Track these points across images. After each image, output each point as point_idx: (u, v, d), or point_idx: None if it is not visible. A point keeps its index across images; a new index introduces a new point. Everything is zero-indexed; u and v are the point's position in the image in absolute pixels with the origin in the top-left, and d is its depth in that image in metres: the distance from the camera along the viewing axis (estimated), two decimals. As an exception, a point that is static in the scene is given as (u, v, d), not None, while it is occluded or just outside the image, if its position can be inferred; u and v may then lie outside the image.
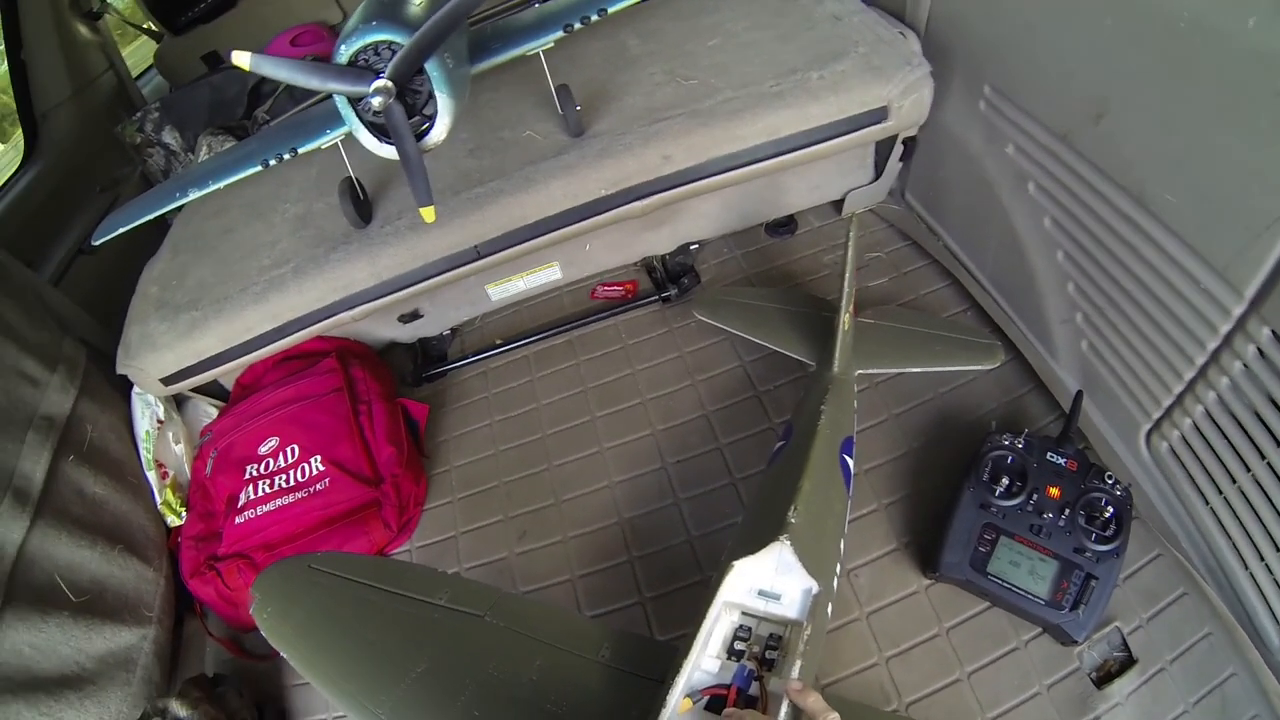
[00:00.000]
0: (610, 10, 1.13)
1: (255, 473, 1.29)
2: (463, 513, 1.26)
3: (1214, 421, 0.85)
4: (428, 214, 1.08)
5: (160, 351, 1.29)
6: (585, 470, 1.24)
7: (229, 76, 1.89)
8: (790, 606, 0.73)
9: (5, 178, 1.70)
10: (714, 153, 1.24)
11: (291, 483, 1.26)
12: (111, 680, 1.10)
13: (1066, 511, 0.94)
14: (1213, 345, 0.81)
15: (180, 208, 1.38)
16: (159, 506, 1.32)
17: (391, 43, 0.97)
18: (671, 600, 1.06)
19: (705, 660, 0.71)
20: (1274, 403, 0.76)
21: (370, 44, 0.97)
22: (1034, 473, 0.97)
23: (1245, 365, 0.78)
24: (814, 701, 0.62)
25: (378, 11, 0.98)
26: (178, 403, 1.45)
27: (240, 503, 1.27)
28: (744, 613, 0.75)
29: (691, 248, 1.55)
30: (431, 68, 1.00)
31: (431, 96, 1.03)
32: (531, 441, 1.31)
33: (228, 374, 1.41)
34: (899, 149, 1.39)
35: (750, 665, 0.69)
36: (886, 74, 1.20)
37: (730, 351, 1.34)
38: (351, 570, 0.91)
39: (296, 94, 1.83)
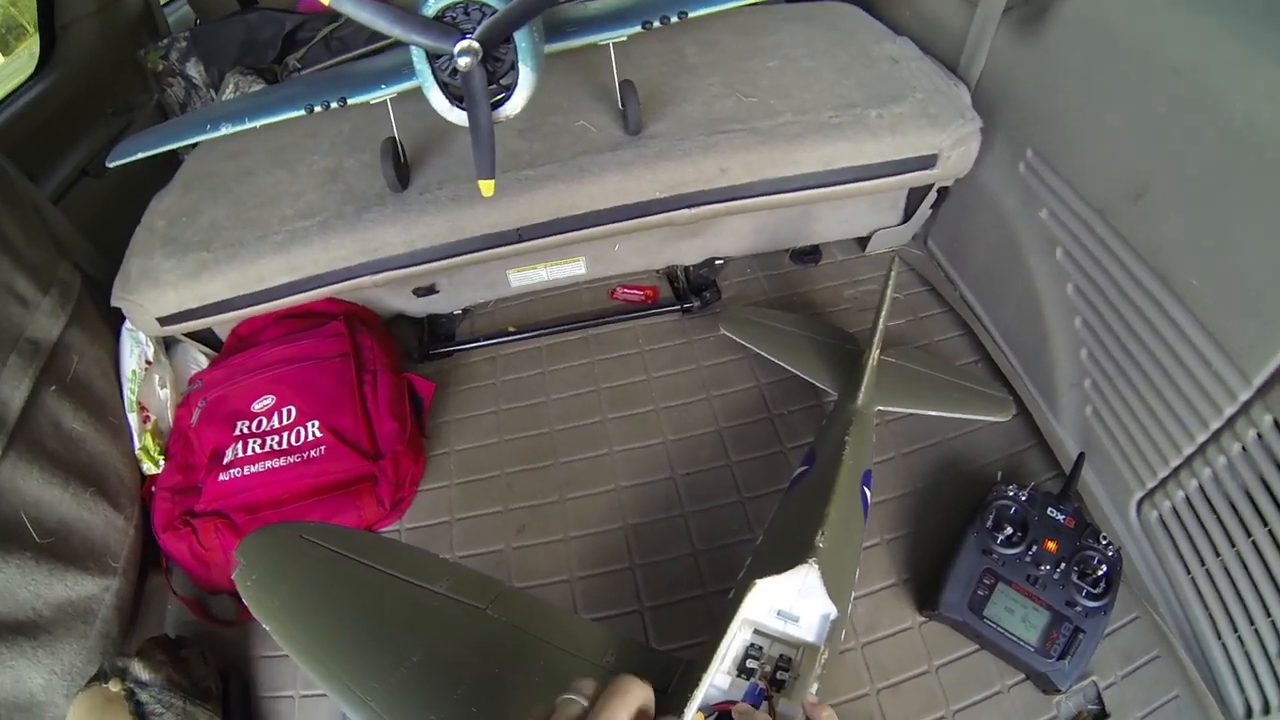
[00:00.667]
0: (691, 14, 1.17)
1: (246, 430, 1.30)
2: (460, 499, 1.28)
3: (1206, 498, 0.95)
4: (486, 187, 1.09)
5: (163, 289, 1.29)
6: (592, 470, 1.29)
7: (265, 17, 1.88)
8: (808, 630, 0.77)
9: (11, 87, 1.65)
10: (769, 173, 1.31)
11: (284, 445, 1.27)
12: (68, 631, 1.09)
13: (1062, 566, 1.03)
14: (1215, 426, 0.91)
15: (198, 143, 1.40)
16: (136, 451, 1.31)
17: (483, 4, 0.97)
18: (671, 611, 1.11)
19: (718, 676, 0.75)
20: (1266, 486, 0.86)
21: (461, 1, 0.98)
22: (1035, 525, 1.06)
23: (1244, 448, 0.88)
24: (829, 717, 0.69)
25: None
26: (167, 345, 1.45)
27: (226, 459, 1.27)
28: (757, 631, 0.79)
29: (717, 263, 1.61)
30: (520, 38, 1.02)
31: (514, 67, 1.05)
32: (538, 435, 1.35)
33: (227, 322, 1.42)
34: (933, 196, 1.49)
35: (761, 684, 0.73)
36: (941, 123, 1.29)
37: (748, 370, 1.41)
38: (346, 545, 0.91)
39: (333, 45, 1.86)
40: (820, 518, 0.86)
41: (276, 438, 1.28)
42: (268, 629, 0.82)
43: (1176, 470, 0.99)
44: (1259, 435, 0.86)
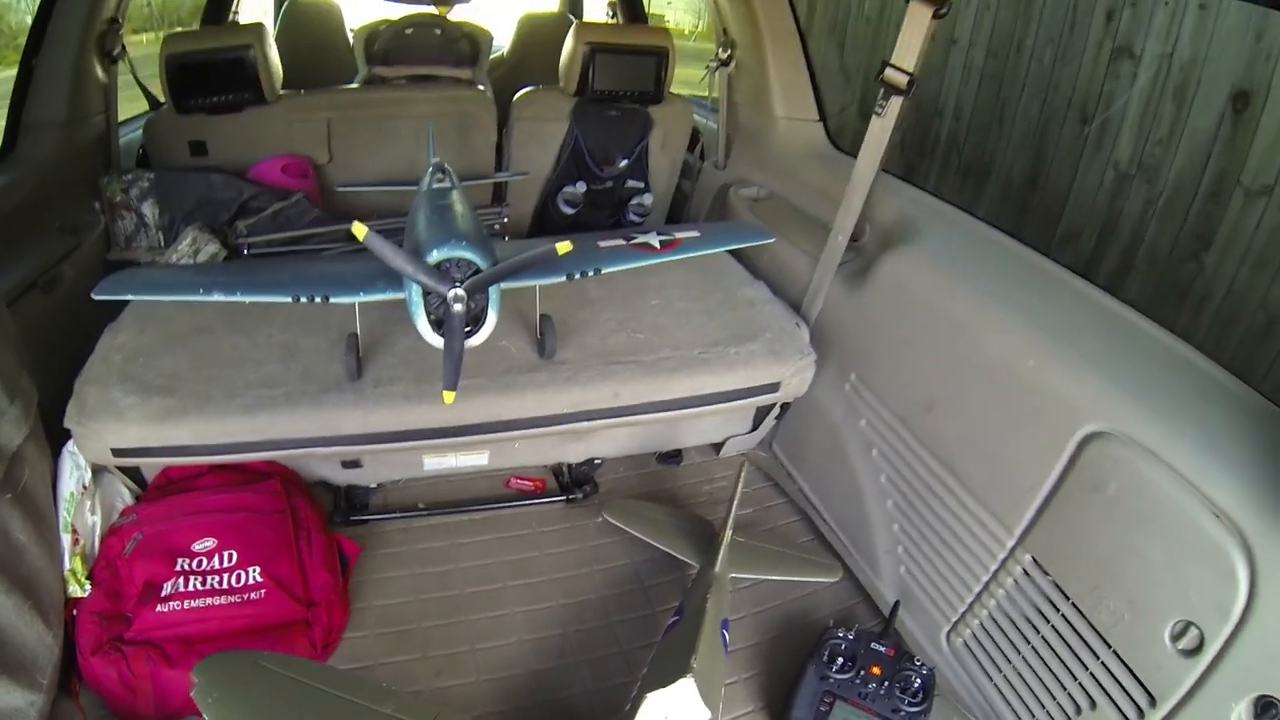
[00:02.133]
0: (604, 270, 1.87)
1: (186, 567, 1.63)
2: (381, 646, 1.71)
3: (995, 621, 1.62)
4: (449, 396, 1.60)
5: (125, 424, 1.64)
6: (497, 626, 1.79)
7: (228, 181, 2.41)
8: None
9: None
10: (650, 398, 1.99)
11: (225, 585, 1.63)
12: None
13: (886, 683, 1.66)
14: (993, 568, 1.61)
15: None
16: (65, 572, 1.55)
17: (471, 261, 1.56)
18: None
19: None
20: (1036, 607, 1.54)
21: (455, 258, 1.55)
22: (861, 656, 1.70)
23: (1015, 581, 1.58)
24: None
25: (461, 233, 1.59)
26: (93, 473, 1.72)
27: (165, 592, 1.58)
28: None
29: (595, 462, 2.31)
30: (493, 291, 1.62)
31: (484, 310, 1.63)
32: (449, 595, 1.85)
33: (173, 464, 1.77)
34: (776, 410, 2.28)
35: None
36: (784, 358, 2.07)
37: (623, 549, 2.03)
38: (301, 673, 1.24)
39: (279, 220, 2.40)
40: (692, 647, 1.32)
41: (217, 578, 1.63)
42: None
43: (971, 605, 1.68)
44: (1024, 570, 1.58)
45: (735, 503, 1.86)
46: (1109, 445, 1.40)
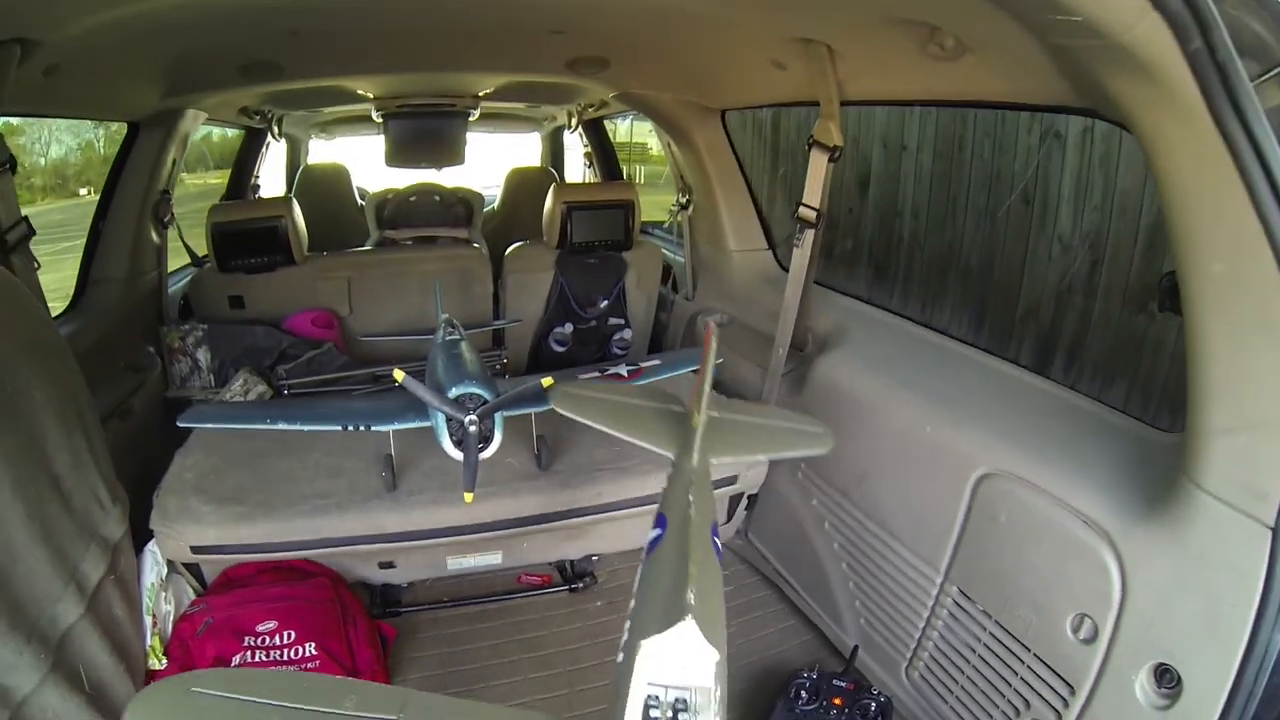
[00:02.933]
0: None
1: (252, 643, 2.09)
2: None
3: (941, 651, 1.97)
4: (469, 497, 2.13)
5: (204, 526, 2.15)
6: (515, 690, 2.20)
7: (270, 333, 3.07)
8: (700, 675, 1.07)
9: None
10: (629, 495, 2.46)
11: (285, 658, 2.08)
12: None
13: (847, 710, 2.00)
14: (930, 604, 1.99)
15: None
16: (146, 648, 2.01)
17: (480, 395, 2.14)
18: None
19: None
20: (969, 630, 1.89)
21: (468, 393, 2.15)
22: (824, 691, 2.05)
23: (949, 612, 1.95)
24: None
25: (471, 375, 2.19)
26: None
27: (234, 663, 2.04)
28: (650, 683, 1.07)
29: (593, 558, 2.75)
30: (498, 417, 2.19)
31: (492, 430, 2.18)
32: (473, 668, 2.27)
33: (236, 562, 2.27)
34: (745, 501, 2.74)
35: None
36: None
37: (623, 623, 2.51)
38: (242, 688, 1.14)
39: (313, 365, 3.03)
40: (684, 574, 1.18)
41: (279, 652, 2.07)
42: None
43: (920, 640, 2.04)
44: (954, 600, 1.95)
45: (709, 373, 1.70)
46: (996, 482, 1.85)
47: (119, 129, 2.94)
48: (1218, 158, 1.18)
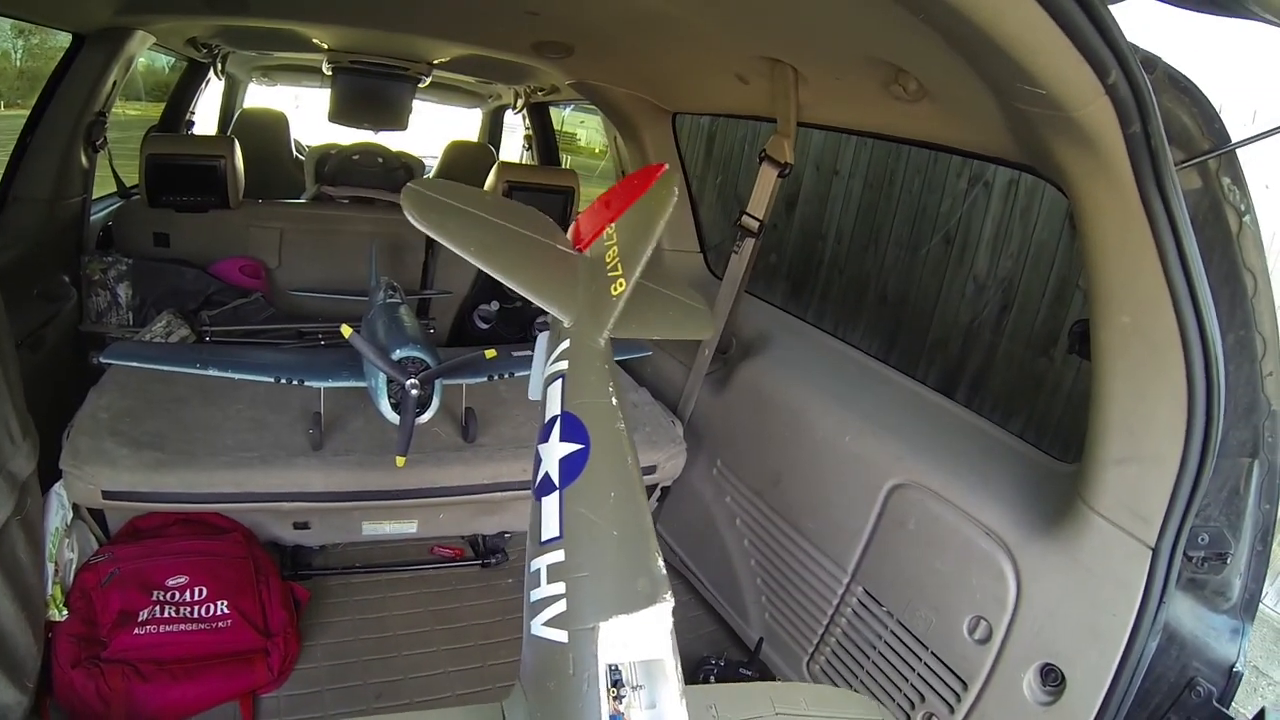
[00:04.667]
0: (517, 374, 2.52)
1: (160, 598, 2.05)
2: (329, 674, 2.13)
3: (843, 646, 2.13)
4: (400, 460, 2.16)
5: (118, 470, 2.08)
6: (427, 660, 2.23)
7: (199, 276, 2.98)
8: (655, 648, 1.03)
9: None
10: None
11: (195, 615, 2.05)
12: None
13: None
14: (836, 602, 2.16)
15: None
16: (47, 597, 1.94)
17: (422, 360, 2.18)
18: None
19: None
20: (870, 628, 2.07)
21: (410, 356, 2.17)
22: (731, 678, 2.20)
23: (854, 610, 2.12)
24: None
25: (414, 339, 2.22)
26: (63, 518, 2.15)
27: (141, 618, 1.99)
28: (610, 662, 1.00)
29: (506, 536, 2.81)
30: (438, 383, 2.23)
31: (430, 396, 2.21)
32: (385, 636, 2.28)
33: (140, 511, 2.22)
34: (658, 492, 2.84)
35: (614, 712, 0.98)
36: (660, 447, 2.64)
37: None
38: None
39: (239, 315, 2.95)
40: (646, 532, 1.08)
41: (189, 608, 2.04)
42: None
43: (823, 635, 2.20)
44: (859, 600, 2.11)
45: (658, 230, 1.36)
46: (907, 492, 2.03)
47: (41, 41, 2.79)
48: (1138, 225, 1.37)
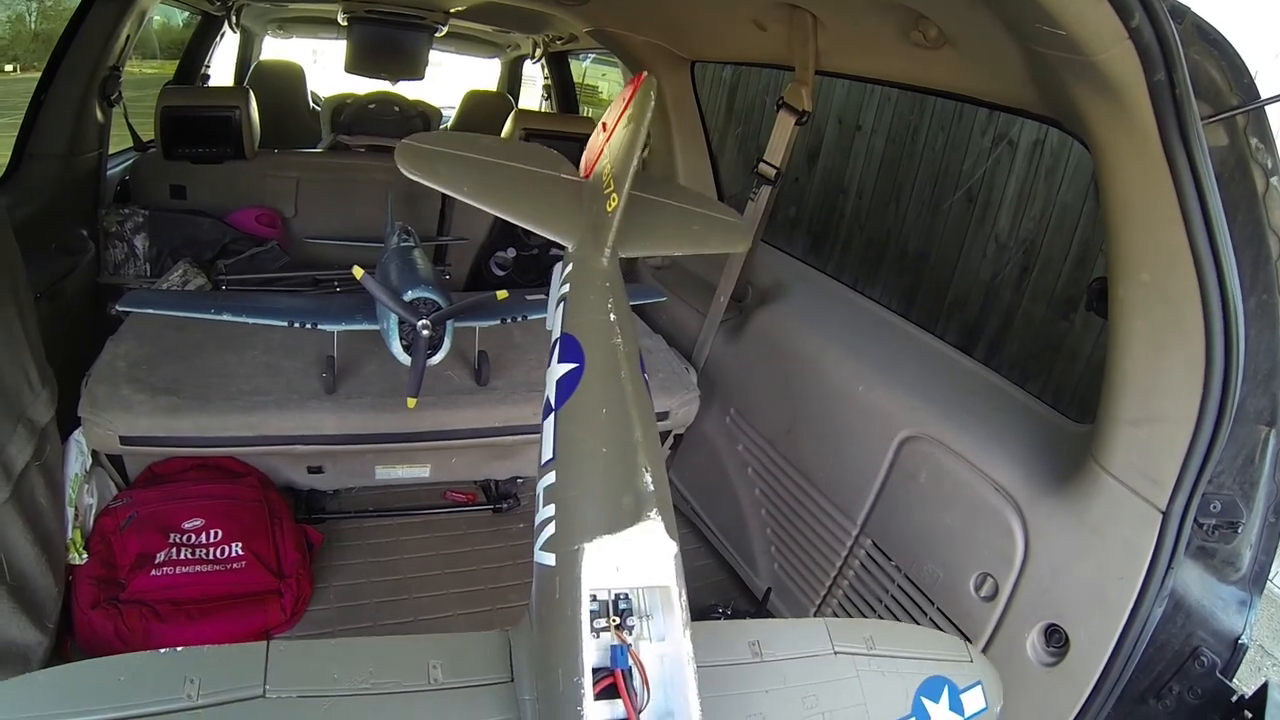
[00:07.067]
0: (530, 317, 2.51)
1: (177, 540, 2.08)
2: (340, 615, 2.17)
3: (849, 598, 2.14)
4: (412, 402, 2.18)
5: (135, 416, 2.10)
6: (437, 603, 2.28)
7: (214, 226, 2.98)
8: (657, 574, 0.96)
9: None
10: None
11: (211, 557, 2.09)
12: (9, 672, 1.57)
13: None
14: (844, 553, 2.16)
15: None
16: (67, 540, 1.98)
17: (434, 301, 2.17)
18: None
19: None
20: (878, 580, 2.06)
21: (422, 297, 2.17)
22: None
23: (861, 562, 2.13)
24: None
25: (426, 280, 2.21)
26: (84, 464, 2.19)
27: (158, 560, 2.03)
28: (594, 587, 0.95)
29: (518, 481, 2.83)
30: (450, 324, 2.22)
31: (442, 338, 2.21)
32: (396, 579, 2.32)
33: (158, 456, 2.26)
34: (670, 439, 2.83)
35: (619, 642, 0.94)
36: (673, 393, 2.62)
37: None
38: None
39: (255, 263, 2.96)
40: (632, 446, 1.01)
41: (205, 550, 2.08)
42: None
43: (830, 586, 2.20)
44: (866, 552, 2.11)
45: (640, 140, 1.32)
46: (919, 445, 1.99)
47: (55, 2, 2.76)
48: (1160, 179, 1.31)
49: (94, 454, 2.19)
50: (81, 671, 0.98)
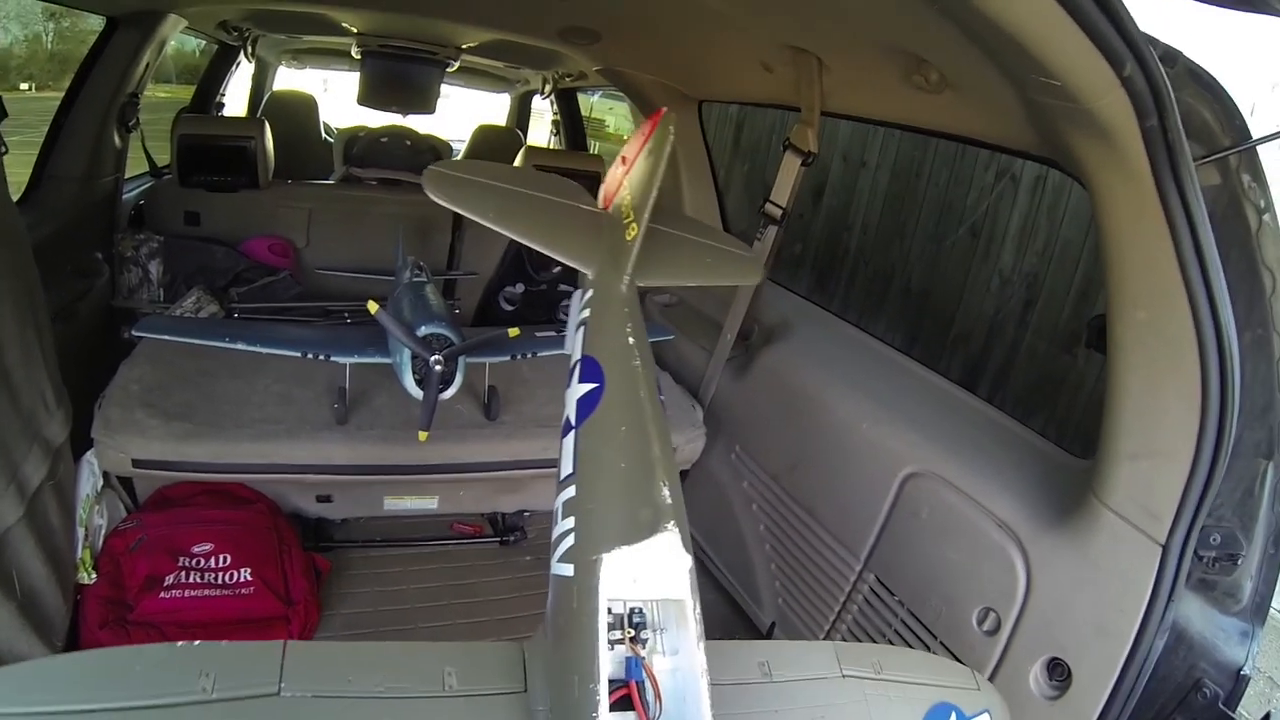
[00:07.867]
0: (539, 354, 2.57)
1: (187, 564, 2.12)
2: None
3: (853, 633, 2.15)
4: (423, 435, 2.21)
5: (148, 440, 2.14)
6: (444, 632, 2.29)
7: (228, 254, 3.05)
8: (673, 587, 0.99)
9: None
10: None
11: (219, 581, 2.11)
12: None
13: None
14: (848, 589, 2.18)
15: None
16: (76, 560, 2.01)
17: (446, 337, 2.22)
18: None
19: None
20: (881, 616, 2.09)
21: (435, 333, 2.22)
22: None
23: (865, 597, 2.14)
24: None
25: (439, 316, 2.27)
26: (93, 487, 2.23)
27: (167, 582, 2.06)
28: (611, 598, 0.97)
29: (525, 514, 2.86)
30: (461, 360, 2.27)
31: (454, 373, 2.25)
32: (403, 608, 2.33)
33: (168, 480, 2.29)
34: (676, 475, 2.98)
35: (632, 654, 0.95)
36: (679, 429, 2.64)
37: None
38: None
39: (268, 292, 3.02)
40: (650, 462, 1.04)
41: (214, 574, 2.11)
42: None
43: (834, 621, 2.22)
44: (870, 587, 2.13)
45: (659, 171, 1.38)
46: (922, 481, 2.03)
47: (72, 25, 2.86)
48: (1154, 219, 1.36)
49: (105, 475, 2.22)
50: (98, 659, 1.03)
